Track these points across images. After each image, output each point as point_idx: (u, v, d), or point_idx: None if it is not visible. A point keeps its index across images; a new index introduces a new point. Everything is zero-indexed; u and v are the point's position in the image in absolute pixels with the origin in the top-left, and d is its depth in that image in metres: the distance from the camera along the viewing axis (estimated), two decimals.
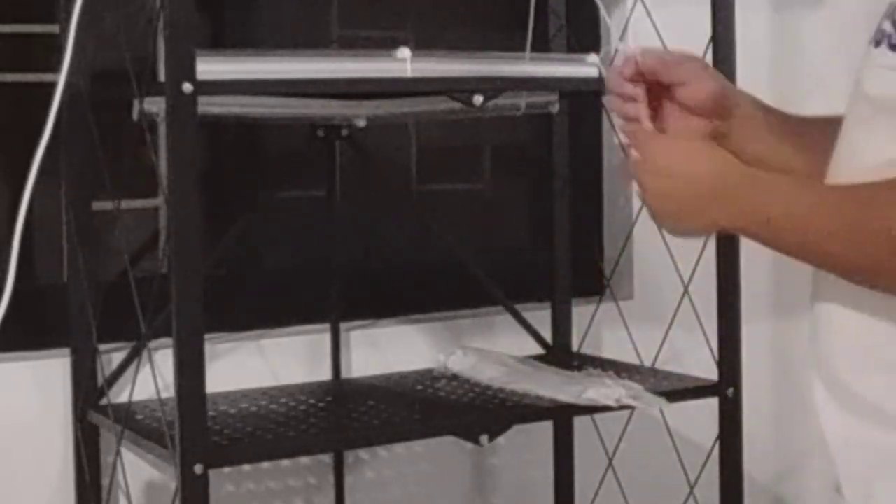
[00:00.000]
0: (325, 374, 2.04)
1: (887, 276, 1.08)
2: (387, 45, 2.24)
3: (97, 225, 1.85)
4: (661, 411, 1.96)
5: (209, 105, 1.70)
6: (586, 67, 1.87)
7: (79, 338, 1.84)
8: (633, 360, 2.06)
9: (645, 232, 2.06)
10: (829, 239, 1.10)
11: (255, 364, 2.00)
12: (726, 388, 1.90)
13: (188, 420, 1.52)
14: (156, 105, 1.67)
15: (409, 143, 2.26)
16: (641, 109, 1.27)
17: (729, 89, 1.32)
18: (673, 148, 1.22)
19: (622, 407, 1.80)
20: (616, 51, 1.99)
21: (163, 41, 1.54)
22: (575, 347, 2.19)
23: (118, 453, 1.77)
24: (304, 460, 2.04)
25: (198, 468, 1.52)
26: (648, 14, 1.98)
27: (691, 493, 2.00)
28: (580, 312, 2.19)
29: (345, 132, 1.98)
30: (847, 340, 1.14)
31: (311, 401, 1.86)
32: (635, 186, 1.23)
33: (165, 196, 1.59)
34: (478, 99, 1.71)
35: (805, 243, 1.12)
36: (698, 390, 1.91)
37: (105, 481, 1.86)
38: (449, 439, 1.81)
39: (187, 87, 1.50)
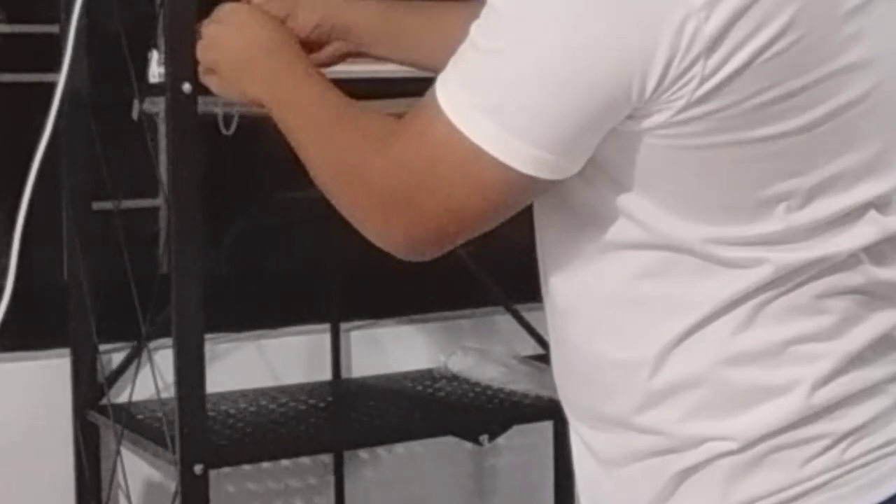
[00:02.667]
0: (325, 374, 2.04)
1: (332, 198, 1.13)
2: None
3: (97, 225, 1.85)
4: None
5: (209, 105, 1.70)
6: None
7: (79, 338, 1.84)
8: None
9: None
10: (306, 136, 1.17)
11: (255, 364, 2.00)
12: None
13: (188, 420, 1.52)
14: (156, 105, 1.67)
15: None
16: None
17: (333, 13, 1.32)
18: (229, 17, 1.25)
19: None
20: None
21: (163, 41, 1.54)
22: None
23: (118, 453, 1.77)
24: (304, 460, 2.04)
25: (198, 468, 1.52)
26: None
27: None
28: None
29: None
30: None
31: (311, 401, 1.87)
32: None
33: (165, 196, 1.59)
34: None
35: (290, 130, 1.20)
36: None
37: (105, 481, 1.86)
38: (449, 439, 1.82)
39: (187, 87, 1.50)
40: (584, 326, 1.06)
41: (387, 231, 1.07)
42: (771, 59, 0.94)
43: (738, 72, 0.93)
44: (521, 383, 1.89)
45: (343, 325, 2.05)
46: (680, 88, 0.94)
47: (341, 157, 1.11)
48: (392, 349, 2.10)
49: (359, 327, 2.10)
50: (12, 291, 1.59)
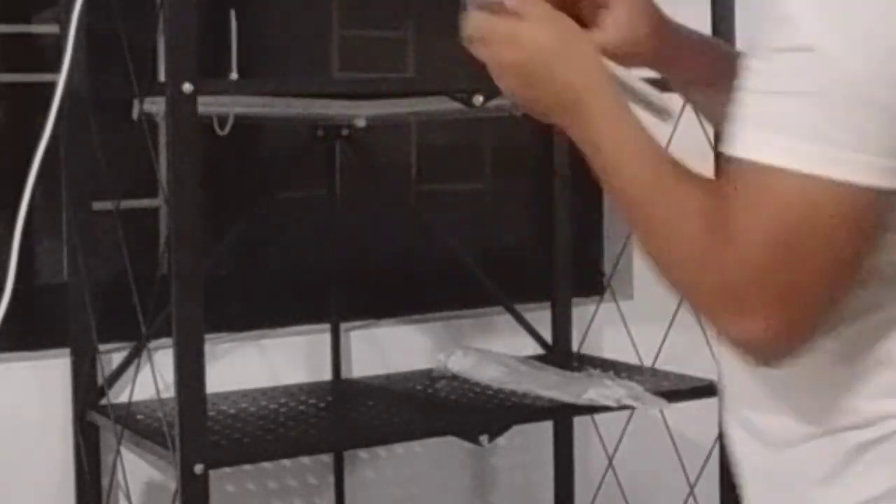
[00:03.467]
0: (325, 374, 2.04)
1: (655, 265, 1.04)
2: (387, 45, 2.25)
3: (97, 225, 1.85)
4: (661, 411, 1.96)
5: (209, 105, 1.69)
6: None
7: (79, 338, 1.84)
8: (633, 360, 2.06)
9: None
10: (632, 205, 1.07)
11: (255, 364, 2.00)
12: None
13: (188, 420, 1.52)
14: (156, 105, 1.67)
15: (409, 143, 2.26)
16: None
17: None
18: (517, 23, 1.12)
19: (622, 407, 1.80)
20: None
21: (163, 41, 1.54)
22: (575, 347, 2.19)
23: (118, 453, 1.77)
24: (304, 460, 2.04)
25: (198, 468, 1.52)
26: None
27: (691, 493, 2.00)
28: (580, 312, 2.19)
29: (345, 132, 1.98)
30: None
31: (311, 401, 1.86)
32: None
33: (165, 196, 1.59)
34: (478, 99, 1.71)
35: (611, 186, 1.10)
36: (698, 390, 1.91)
37: (105, 481, 1.86)
38: (449, 439, 1.81)
39: (187, 87, 1.50)
40: None
41: (743, 328, 0.98)
42: None
43: None
44: (521, 383, 1.89)
45: (343, 325, 2.05)
46: None
47: (682, 251, 1.01)
48: (392, 349, 2.10)
49: (359, 327, 2.10)
50: (12, 291, 1.59)
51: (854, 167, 0.94)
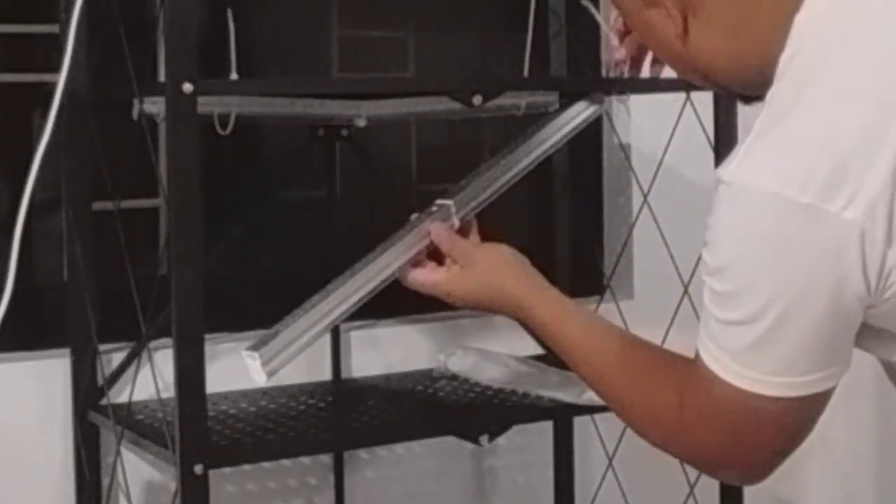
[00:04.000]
0: (324, 375, 2.04)
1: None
2: (387, 44, 2.25)
3: (97, 225, 1.85)
4: None
5: (209, 105, 1.69)
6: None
7: (78, 338, 1.84)
8: None
9: (645, 232, 2.06)
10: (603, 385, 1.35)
11: None
12: None
13: (188, 420, 1.52)
14: (156, 105, 1.67)
15: (409, 143, 2.26)
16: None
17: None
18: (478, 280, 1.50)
19: None
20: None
21: (163, 41, 1.54)
22: None
23: (118, 453, 1.77)
24: (304, 460, 2.04)
25: (198, 468, 1.52)
26: None
27: (691, 493, 2.00)
28: None
29: (345, 132, 1.98)
30: None
31: (312, 401, 1.86)
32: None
33: (166, 196, 1.59)
34: (478, 99, 1.71)
35: (581, 374, 1.38)
36: None
37: (105, 481, 1.86)
38: (449, 439, 1.81)
39: (187, 87, 1.50)
40: None
41: (721, 476, 1.32)
42: None
43: None
44: (521, 383, 1.89)
45: (343, 325, 2.05)
46: (887, 279, 1.09)
47: (648, 423, 1.28)
48: (392, 349, 2.10)
49: (358, 327, 2.09)
50: (12, 291, 1.59)
51: (780, 388, 1.13)
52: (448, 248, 1.53)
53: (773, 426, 1.16)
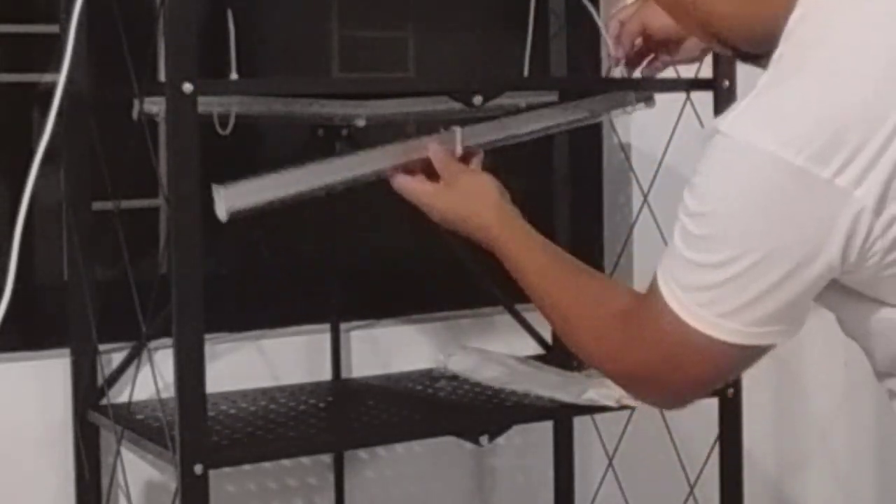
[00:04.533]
0: (324, 375, 2.04)
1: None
2: (387, 45, 2.25)
3: (97, 225, 1.85)
4: (661, 411, 1.96)
5: (209, 105, 1.69)
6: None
7: (78, 338, 1.84)
8: None
9: (645, 232, 2.05)
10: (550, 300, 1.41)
11: (255, 364, 2.00)
12: (726, 388, 1.90)
13: (188, 420, 1.52)
14: (156, 105, 1.67)
15: None
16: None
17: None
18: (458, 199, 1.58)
19: (622, 407, 1.80)
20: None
21: (163, 41, 1.54)
22: None
23: (118, 453, 1.77)
24: (304, 460, 2.04)
25: (198, 468, 1.52)
26: None
27: (691, 493, 2.00)
28: None
29: (345, 132, 1.97)
30: None
31: (312, 401, 1.86)
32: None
33: (166, 196, 1.59)
34: (478, 99, 1.71)
35: (530, 288, 1.45)
36: None
37: (105, 481, 1.86)
38: (448, 439, 1.81)
39: (187, 87, 1.50)
40: None
41: (646, 396, 1.31)
42: None
43: None
44: (521, 383, 1.89)
45: (343, 325, 2.05)
46: (870, 249, 1.10)
47: (591, 339, 1.33)
48: (392, 349, 2.10)
49: (358, 327, 2.09)
50: (12, 291, 1.59)
51: (729, 333, 1.16)
52: (439, 164, 1.60)
53: (709, 364, 1.19)
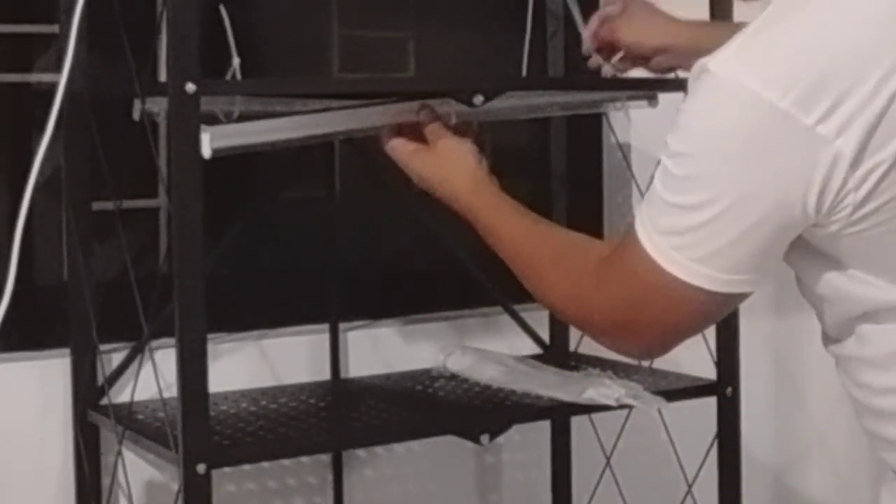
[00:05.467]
0: (324, 375, 2.04)
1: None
2: (387, 45, 2.25)
3: (97, 225, 1.85)
4: (659, 410, 1.97)
5: (210, 105, 1.69)
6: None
7: (79, 338, 1.84)
8: (631, 360, 2.06)
9: None
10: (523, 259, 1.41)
11: (255, 364, 2.00)
12: (724, 387, 1.91)
13: (191, 419, 1.52)
14: (156, 105, 1.67)
15: None
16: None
17: (650, 35, 1.74)
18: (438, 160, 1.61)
19: (622, 406, 1.80)
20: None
21: (165, 41, 1.54)
22: (572, 347, 2.19)
23: (119, 453, 1.77)
24: (303, 460, 2.04)
25: (200, 468, 1.52)
26: None
27: (689, 492, 2.01)
28: None
29: None
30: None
31: (312, 401, 1.87)
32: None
33: (168, 196, 1.59)
34: (479, 99, 1.71)
35: (503, 249, 1.45)
36: (697, 389, 1.91)
37: (106, 482, 1.85)
38: (447, 439, 1.82)
39: (190, 87, 1.50)
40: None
41: (618, 344, 1.29)
42: None
43: (886, 172, 1.08)
44: (520, 383, 1.90)
45: (342, 325, 2.05)
46: (841, 202, 1.09)
47: (564, 287, 1.32)
48: (391, 349, 2.10)
49: (358, 327, 2.10)
50: (12, 291, 1.59)
51: (701, 279, 1.15)
52: (426, 126, 1.63)
53: (680, 310, 1.19)
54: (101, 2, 1.70)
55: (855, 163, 1.08)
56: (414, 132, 1.64)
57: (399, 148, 1.64)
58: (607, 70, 1.81)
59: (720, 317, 1.24)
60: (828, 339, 1.29)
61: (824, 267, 1.19)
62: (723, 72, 1.10)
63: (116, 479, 1.86)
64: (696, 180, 1.13)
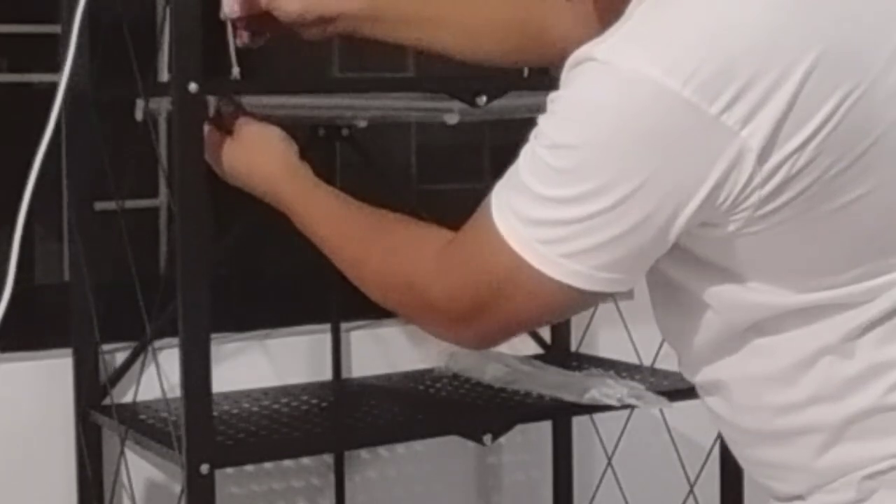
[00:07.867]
0: (326, 375, 2.04)
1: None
2: (387, 45, 2.25)
3: (99, 224, 1.85)
4: (661, 410, 1.97)
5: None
6: None
7: (81, 338, 1.83)
8: (631, 359, 2.07)
9: None
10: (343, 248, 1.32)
11: (256, 364, 2.00)
12: None
13: (195, 420, 1.52)
14: (159, 104, 1.66)
15: (409, 143, 2.26)
16: None
17: (316, 3, 1.43)
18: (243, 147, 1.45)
19: (624, 406, 1.80)
20: None
21: (167, 40, 1.53)
22: (573, 347, 2.19)
23: (122, 453, 1.77)
24: (306, 460, 2.04)
25: (204, 468, 1.51)
26: None
27: (691, 491, 2.01)
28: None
29: (345, 132, 1.97)
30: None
31: (314, 401, 1.86)
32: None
33: (171, 196, 1.59)
34: (482, 99, 1.71)
35: (322, 241, 1.35)
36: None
37: (108, 482, 1.85)
38: (449, 439, 1.82)
39: (193, 86, 1.50)
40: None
41: (451, 335, 1.18)
42: (821, 142, 1.00)
43: (793, 166, 1.01)
44: (522, 383, 1.89)
45: (343, 326, 2.05)
46: (745, 199, 1.01)
47: (395, 274, 1.20)
48: (393, 349, 2.10)
49: (359, 327, 2.09)
50: (13, 291, 1.59)
51: (566, 274, 1.05)
52: (227, 117, 1.49)
53: (533, 304, 1.09)
54: (102, 1, 1.69)
55: (763, 156, 0.99)
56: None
57: (206, 141, 1.48)
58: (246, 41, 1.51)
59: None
60: (696, 371, 1.20)
61: (713, 277, 1.09)
62: (615, 59, 1.00)
63: (119, 479, 1.85)
64: (580, 173, 1.02)
